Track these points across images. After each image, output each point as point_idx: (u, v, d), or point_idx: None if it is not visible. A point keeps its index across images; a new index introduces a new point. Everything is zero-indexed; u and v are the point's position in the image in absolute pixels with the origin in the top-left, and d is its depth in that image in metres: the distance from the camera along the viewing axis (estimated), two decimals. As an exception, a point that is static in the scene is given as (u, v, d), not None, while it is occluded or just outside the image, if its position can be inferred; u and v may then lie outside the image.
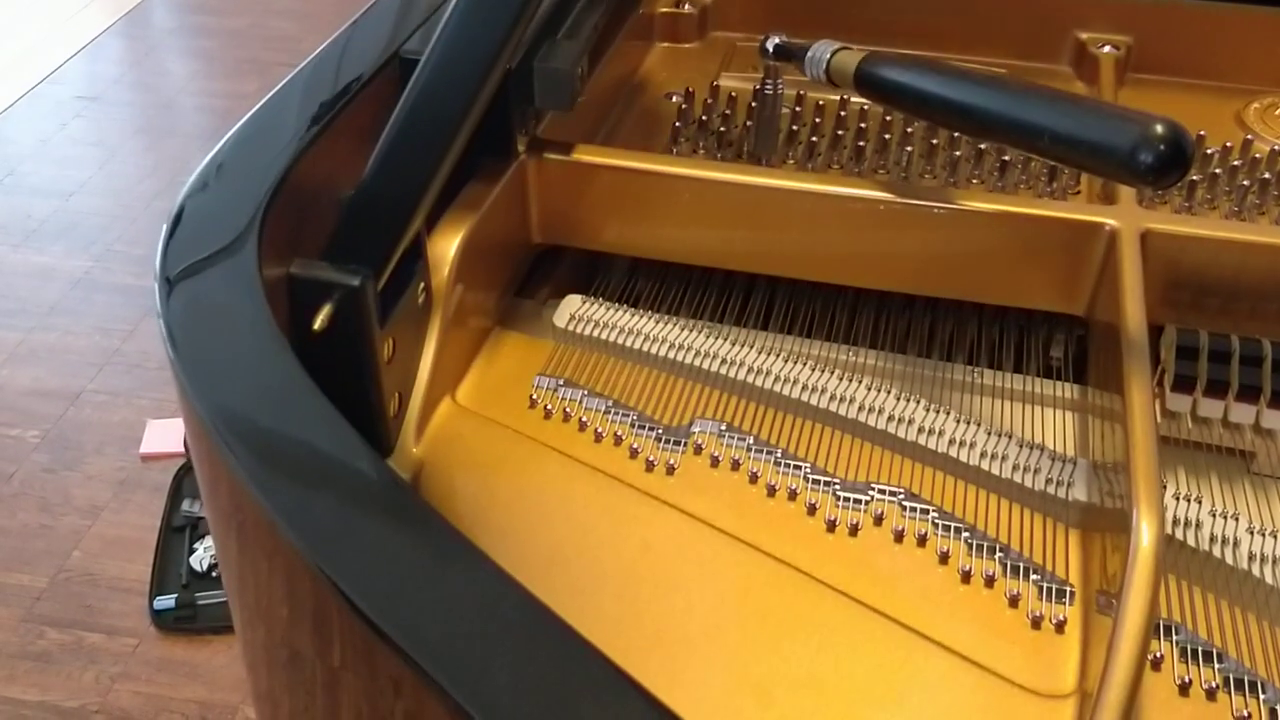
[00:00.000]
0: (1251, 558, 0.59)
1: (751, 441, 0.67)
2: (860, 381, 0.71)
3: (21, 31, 3.15)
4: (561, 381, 0.72)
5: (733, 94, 0.92)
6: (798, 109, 0.90)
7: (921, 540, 0.62)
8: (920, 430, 0.67)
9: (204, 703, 1.49)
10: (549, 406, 0.70)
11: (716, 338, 0.74)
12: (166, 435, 1.86)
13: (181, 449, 1.82)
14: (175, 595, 1.60)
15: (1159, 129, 0.55)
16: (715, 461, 0.66)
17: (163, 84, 2.95)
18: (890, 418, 0.68)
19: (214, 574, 1.62)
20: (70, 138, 2.68)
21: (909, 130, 0.87)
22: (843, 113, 0.89)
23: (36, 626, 1.58)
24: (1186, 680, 0.55)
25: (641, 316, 0.75)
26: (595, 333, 0.74)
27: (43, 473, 1.81)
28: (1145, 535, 0.52)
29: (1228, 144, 0.86)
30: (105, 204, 2.44)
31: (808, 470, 0.66)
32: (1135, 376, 0.60)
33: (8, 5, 3.28)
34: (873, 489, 0.65)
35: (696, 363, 0.72)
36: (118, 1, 3.31)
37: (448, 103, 0.60)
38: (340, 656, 0.48)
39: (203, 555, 1.64)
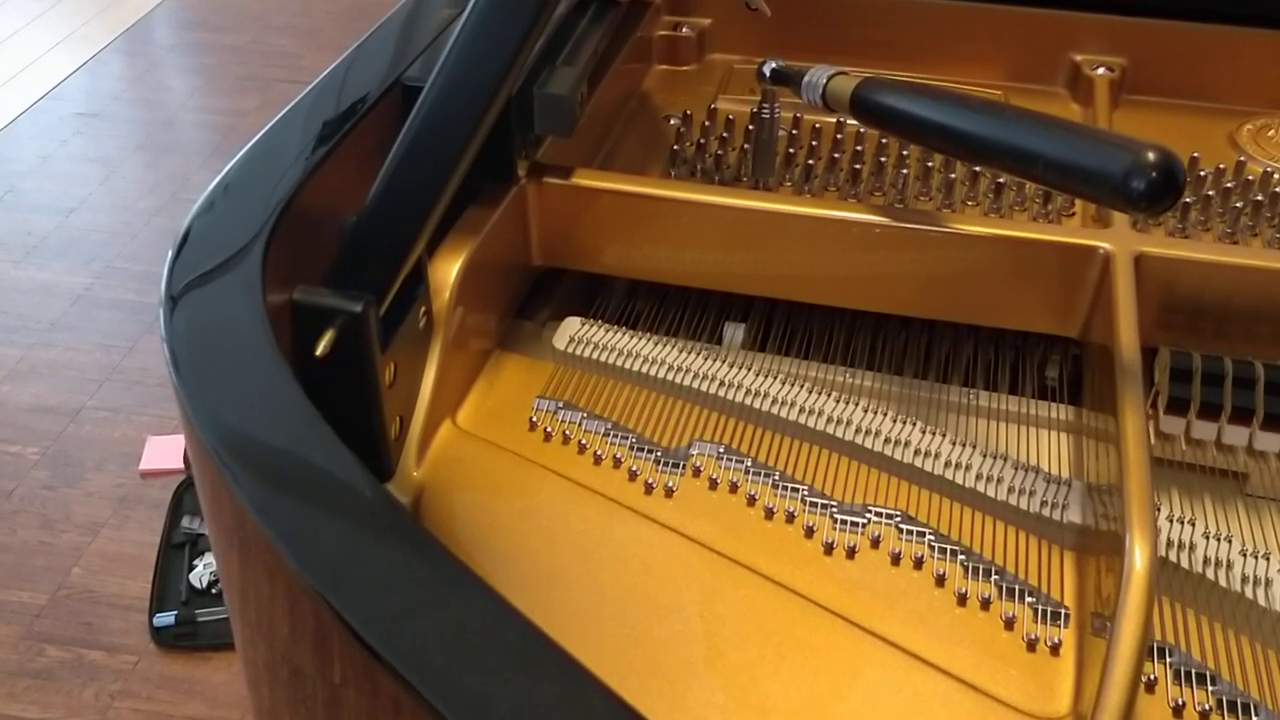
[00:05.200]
0: (1245, 580, 0.60)
1: (750, 464, 0.68)
2: (857, 404, 0.71)
3: (22, 48, 3.16)
4: (561, 404, 0.72)
5: (730, 117, 0.93)
6: (795, 132, 0.91)
7: (918, 563, 0.63)
8: (917, 453, 0.68)
9: (204, 719, 1.49)
10: (549, 429, 0.70)
11: (714, 360, 0.74)
12: (166, 452, 1.86)
13: (181, 465, 1.83)
14: (175, 612, 1.60)
15: (1151, 156, 0.56)
16: (714, 484, 0.67)
17: (163, 100, 2.96)
18: (887, 440, 0.69)
19: (214, 591, 1.62)
20: (71, 154, 2.69)
21: (905, 153, 0.87)
22: (839, 136, 0.90)
23: (36, 644, 1.58)
24: (1181, 703, 0.55)
25: (640, 338, 0.76)
26: (594, 355, 0.75)
27: (43, 489, 1.81)
28: (1139, 558, 0.52)
29: (1221, 165, 0.86)
30: (106, 220, 2.45)
31: (805, 493, 0.66)
32: (1129, 398, 0.61)
33: (7, 21, 3.29)
34: (870, 511, 0.65)
35: (695, 385, 0.73)
36: (118, 18, 3.33)
37: (450, 130, 0.61)
38: (341, 674, 0.48)
39: (202, 572, 1.64)
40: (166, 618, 1.59)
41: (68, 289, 2.24)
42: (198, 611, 1.60)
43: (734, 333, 0.81)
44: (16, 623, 1.61)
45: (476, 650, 0.42)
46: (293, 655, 0.53)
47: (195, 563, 1.66)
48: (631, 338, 0.76)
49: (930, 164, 0.86)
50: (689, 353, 0.75)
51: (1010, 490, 0.65)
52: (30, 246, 2.37)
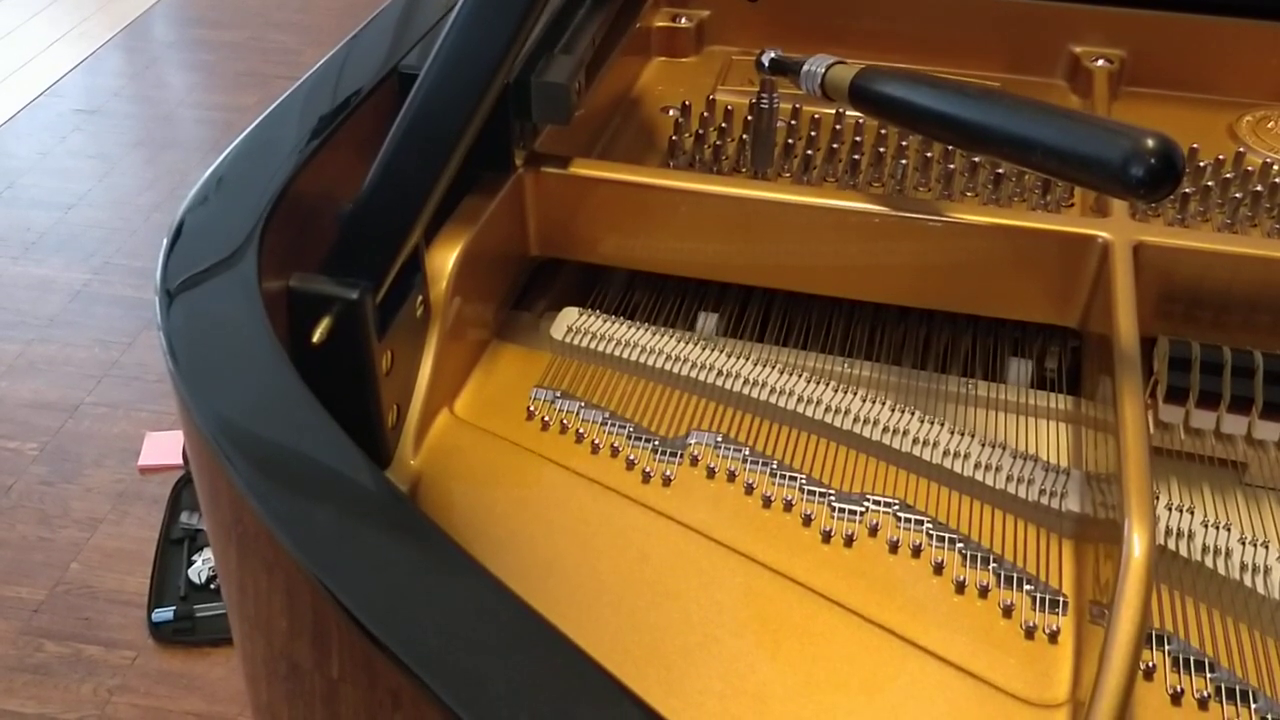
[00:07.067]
0: (1243, 568, 0.60)
1: (747, 453, 0.68)
2: (855, 393, 0.71)
3: (21, 44, 3.16)
4: (559, 393, 0.72)
5: (729, 108, 0.92)
6: (793, 123, 0.90)
7: (916, 551, 0.62)
8: (915, 441, 0.68)
9: (202, 715, 1.49)
10: (546, 418, 0.70)
11: (713, 350, 0.74)
12: (165, 447, 1.86)
13: (180, 461, 1.82)
14: (174, 607, 1.60)
15: (1150, 143, 0.56)
16: (711, 473, 0.67)
17: (162, 97, 2.95)
18: (885, 429, 0.69)
19: (212, 586, 1.62)
20: (70, 150, 2.69)
21: (904, 143, 0.87)
22: (838, 126, 0.90)
23: (35, 639, 1.58)
24: (1179, 690, 0.55)
25: (638, 329, 0.76)
26: (592, 345, 0.75)
27: (41, 485, 1.81)
28: (1137, 546, 0.52)
29: (1220, 156, 0.86)
30: (105, 216, 2.45)
31: (803, 481, 0.66)
32: (1128, 388, 0.61)
33: (7, 17, 3.29)
34: (868, 500, 0.65)
35: (693, 375, 0.73)
36: (118, 14, 3.33)
37: (446, 117, 0.61)
38: (339, 668, 0.48)
39: (201, 567, 1.64)
40: (165, 613, 1.59)
41: (66, 285, 2.24)
42: (196, 607, 1.60)
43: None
44: (15, 618, 1.61)
45: (473, 632, 0.41)
46: (291, 650, 0.53)
47: (194, 558, 1.66)
48: (629, 328, 0.76)
49: (929, 154, 0.86)
50: (686, 342, 0.75)
51: (1009, 479, 0.65)
52: (29, 242, 2.37)
